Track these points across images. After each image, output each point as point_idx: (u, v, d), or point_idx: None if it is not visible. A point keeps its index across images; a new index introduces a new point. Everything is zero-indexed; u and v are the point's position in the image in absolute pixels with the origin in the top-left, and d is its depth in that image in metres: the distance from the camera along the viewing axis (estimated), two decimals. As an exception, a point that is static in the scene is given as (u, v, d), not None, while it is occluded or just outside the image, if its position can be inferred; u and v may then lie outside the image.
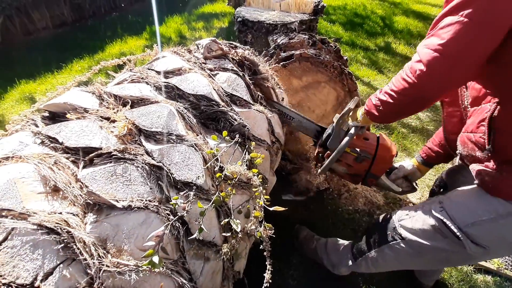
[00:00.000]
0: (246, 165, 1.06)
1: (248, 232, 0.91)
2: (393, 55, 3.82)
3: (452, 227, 0.89)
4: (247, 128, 1.14)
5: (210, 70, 1.25)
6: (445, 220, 0.91)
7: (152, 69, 1.19)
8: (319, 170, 1.24)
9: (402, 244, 1.03)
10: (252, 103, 1.25)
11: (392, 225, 1.08)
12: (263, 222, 0.83)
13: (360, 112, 1.13)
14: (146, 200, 0.75)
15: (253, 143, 1.10)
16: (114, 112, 0.90)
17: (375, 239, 1.14)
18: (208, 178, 0.90)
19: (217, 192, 0.89)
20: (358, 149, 1.18)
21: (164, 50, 1.43)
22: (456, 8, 0.73)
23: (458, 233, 0.87)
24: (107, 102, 0.94)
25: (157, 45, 1.35)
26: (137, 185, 0.76)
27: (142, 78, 1.07)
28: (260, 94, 1.38)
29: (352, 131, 1.14)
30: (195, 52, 1.43)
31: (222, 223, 0.88)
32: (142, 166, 0.79)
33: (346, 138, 1.13)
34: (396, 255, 1.05)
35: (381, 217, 1.19)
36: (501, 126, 0.81)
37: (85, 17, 6.24)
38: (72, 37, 5.07)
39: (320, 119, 1.91)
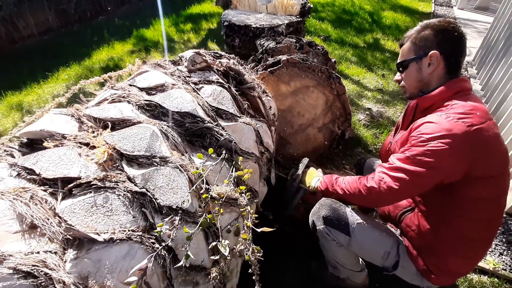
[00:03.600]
0: (234, 181, 1.04)
1: (238, 252, 0.90)
2: (382, 51, 3.82)
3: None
4: (234, 143, 1.12)
5: (195, 84, 1.22)
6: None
7: (134, 85, 1.16)
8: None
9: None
10: (239, 115, 1.23)
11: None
12: (251, 245, 0.81)
13: (313, 182, 1.34)
14: (128, 230, 0.73)
15: (240, 158, 1.08)
16: (94, 137, 0.88)
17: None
18: (194, 199, 0.88)
19: (204, 214, 0.87)
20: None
21: (149, 61, 1.40)
22: (419, 153, 0.92)
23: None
24: (86, 126, 0.92)
25: (138, 59, 1.31)
26: (119, 215, 0.74)
27: (124, 97, 1.04)
28: (247, 103, 1.36)
29: (301, 193, 1.40)
30: (179, 64, 1.40)
31: (210, 246, 0.86)
32: (124, 194, 0.77)
33: (296, 200, 1.41)
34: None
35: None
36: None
37: (71, 22, 6.12)
38: (58, 44, 4.96)
39: (310, 122, 1.91)
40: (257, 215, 0.92)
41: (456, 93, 0.98)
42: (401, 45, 1.12)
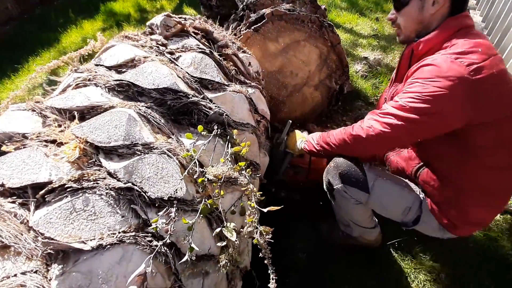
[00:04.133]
0: (232, 158, 0.94)
1: (247, 233, 0.82)
2: (373, -8, 3.50)
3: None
4: (225, 115, 1.00)
5: (171, 53, 1.06)
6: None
7: (101, 65, 1.01)
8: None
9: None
10: (227, 83, 1.09)
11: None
12: (259, 227, 0.73)
13: (297, 145, 1.29)
14: (119, 232, 0.64)
15: (235, 131, 0.97)
16: (61, 131, 0.75)
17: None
18: (190, 185, 0.79)
19: (203, 200, 0.78)
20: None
21: (116, 35, 1.22)
22: (420, 95, 0.81)
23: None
24: (51, 120, 0.79)
25: (100, 34, 1.13)
26: (105, 217, 0.65)
27: (89, 80, 0.89)
28: (235, 68, 1.21)
29: (288, 158, 1.37)
30: (152, 34, 1.22)
31: (215, 232, 0.79)
32: (106, 193, 0.67)
33: (283, 166, 1.39)
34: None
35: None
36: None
37: (32, 6, 5.57)
38: (22, 32, 4.55)
39: (305, 81, 1.76)
40: (261, 192, 0.83)
41: (456, 31, 0.86)
42: None
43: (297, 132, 1.40)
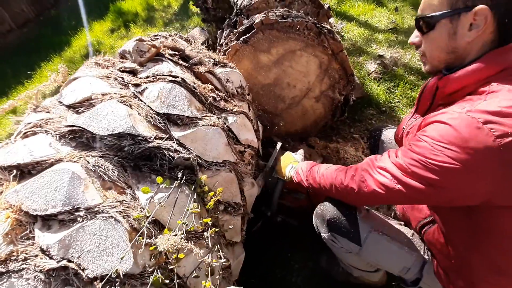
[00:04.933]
0: (200, 207, 0.83)
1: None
2: (394, -24, 3.13)
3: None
4: (196, 156, 0.88)
5: (136, 85, 0.95)
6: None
7: (61, 102, 0.92)
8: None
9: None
10: (199, 116, 0.97)
11: None
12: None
13: (286, 171, 1.17)
14: (46, 326, 0.56)
15: (204, 176, 0.85)
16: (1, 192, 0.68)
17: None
18: (140, 254, 0.69)
19: (155, 270, 0.68)
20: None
21: (87, 62, 1.13)
22: (426, 162, 0.63)
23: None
24: (-8, 179, 0.71)
25: (63, 65, 1.04)
26: (31, 307, 0.57)
27: (40, 126, 0.81)
28: (213, 95, 1.08)
29: (279, 186, 1.24)
30: (124, 57, 1.12)
31: (170, 307, 0.69)
32: (35, 276, 0.59)
33: (276, 195, 1.25)
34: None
35: None
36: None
37: (47, 7, 5.69)
38: (37, 35, 4.66)
39: (304, 93, 1.59)
40: (224, 260, 0.71)
41: (500, 71, 0.63)
42: None
43: (287, 155, 1.25)
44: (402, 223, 1.03)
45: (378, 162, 0.76)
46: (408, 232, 0.94)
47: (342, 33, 2.55)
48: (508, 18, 0.62)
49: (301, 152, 1.38)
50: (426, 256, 0.87)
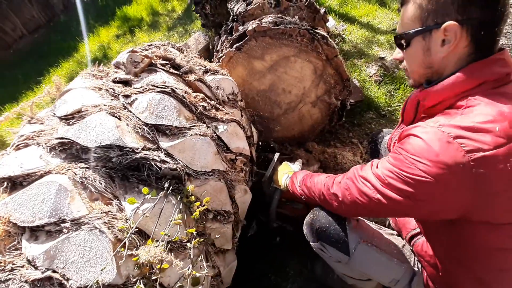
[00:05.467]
0: (186, 215, 0.84)
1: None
2: (397, -25, 3.08)
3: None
4: (184, 166, 0.90)
5: (126, 96, 0.97)
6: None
7: (54, 114, 0.95)
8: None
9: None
10: (188, 126, 0.98)
11: None
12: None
13: (282, 181, 1.18)
14: (29, 335, 0.58)
15: (191, 186, 0.87)
16: (-10, 206, 0.71)
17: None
18: (124, 265, 0.71)
19: (138, 281, 0.70)
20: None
21: (82, 72, 1.16)
22: (404, 169, 0.63)
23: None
24: (-15, 191, 0.75)
25: (58, 77, 1.07)
26: (15, 317, 0.59)
27: (32, 138, 0.84)
28: (202, 104, 1.09)
29: (276, 196, 1.23)
30: (118, 68, 1.14)
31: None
32: (20, 286, 0.61)
33: (273, 204, 1.24)
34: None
35: None
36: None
37: (57, 13, 5.86)
38: (47, 41, 4.80)
39: (300, 98, 1.58)
40: (206, 271, 0.72)
41: (481, 84, 0.62)
42: (401, 4, 0.73)
43: (285, 165, 1.26)
44: (395, 232, 1.02)
45: (361, 171, 0.76)
46: (399, 242, 0.93)
47: (344, 35, 2.53)
48: (484, 31, 0.61)
49: (299, 162, 1.38)
50: (416, 268, 0.86)
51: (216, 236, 0.94)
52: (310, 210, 1.32)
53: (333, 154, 1.67)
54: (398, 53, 0.80)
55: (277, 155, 1.32)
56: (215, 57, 1.59)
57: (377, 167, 0.70)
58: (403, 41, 0.74)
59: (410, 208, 0.64)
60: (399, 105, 1.91)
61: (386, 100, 1.95)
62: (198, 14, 2.21)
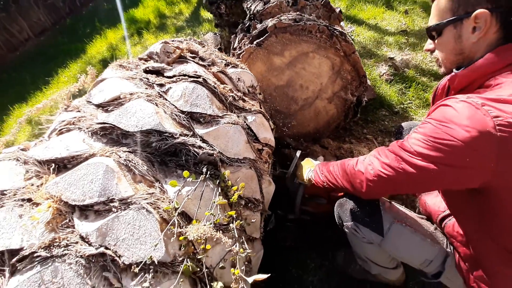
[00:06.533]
0: (222, 199, 0.86)
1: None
2: (402, -21, 3.16)
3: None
4: (218, 153, 0.92)
5: (161, 85, 1.00)
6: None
7: (90, 102, 0.98)
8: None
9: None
10: (221, 114, 1.01)
11: None
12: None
13: (305, 175, 1.19)
14: (87, 307, 0.60)
15: (227, 171, 0.89)
16: (38, 186, 0.73)
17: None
18: (171, 244, 0.72)
19: (185, 259, 0.72)
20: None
21: (111, 64, 1.19)
22: (438, 139, 0.66)
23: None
24: (32, 172, 0.76)
25: (91, 67, 1.10)
26: (73, 290, 0.61)
27: (73, 124, 0.86)
28: (233, 95, 1.12)
29: (300, 191, 1.25)
30: (153, 58, 1.17)
31: (199, 294, 0.72)
32: (76, 261, 0.63)
33: (298, 199, 1.27)
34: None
35: None
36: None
37: (63, 16, 5.91)
38: (54, 43, 4.84)
39: (317, 94, 1.62)
40: (250, 251, 0.74)
41: (508, 65, 0.66)
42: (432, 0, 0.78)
43: (307, 160, 1.29)
44: (425, 217, 1.04)
45: (385, 148, 0.80)
46: (430, 225, 0.96)
47: (352, 37, 2.58)
48: (511, 16, 0.65)
49: (320, 158, 1.40)
50: (448, 250, 0.88)
51: (252, 220, 0.95)
52: (333, 204, 1.35)
53: (349, 150, 1.69)
54: (429, 44, 0.84)
55: (299, 152, 1.35)
56: (232, 54, 1.62)
57: (403, 140, 0.74)
58: (434, 33, 0.79)
59: (437, 175, 0.67)
60: (411, 103, 1.96)
61: (398, 98, 1.99)
62: (212, 14, 2.25)
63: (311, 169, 1.19)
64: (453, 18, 0.73)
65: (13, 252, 0.65)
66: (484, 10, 0.67)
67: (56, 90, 3.50)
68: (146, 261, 0.66)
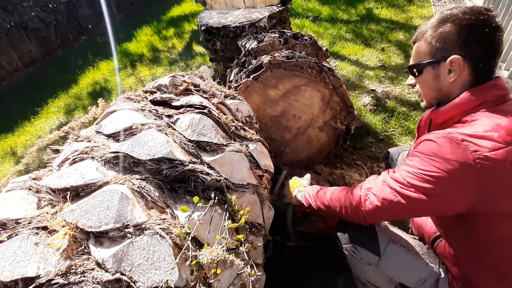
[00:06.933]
0: (229, 224, 0.90)
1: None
2: (377, 22, 3.52)
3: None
4: (224, 179, 0.97)
5: (169, 116, 1.07)
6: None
7: (100, 132, 1.02)
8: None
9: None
10: (225, 143, 1.07)
11: None
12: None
13: (295, 194, 1.22)
14: (104, 335, 0.60)
15: (233, 197, 0.93)
16: (53, 214, 0.74)
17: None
18: (183, 268, 0.75)
19: (197, 283, 0.73)
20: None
21: (118, 97, 1.25)
22: (424, 173, 0.74)
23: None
24: (45, 200, 0.78)
25: (102, 100, 1.16)
26: (90, 317, 0.61)
27: (86, 153, 0.90)
28: (235, 125, 1.20)
29: (290, 211, 1.31)
30: (160, 90, 1.25)
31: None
32: None
33: (288, 218, 1.31)
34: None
35: None
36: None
37: (54, 49, 6.01)
38: (44, 74, 4.87)
39: (309, 123, 1.73)
40: (260, 273, 0.77)
41: (479, 105, 0.77)
42: (414, 42, 0.90)
43: (295, 180, 1.33)
44: (417, 238, 1.11)
45: (377, 179, 0.87)
46: (423, 246, 1.02)
47: (336, 70, 2.80)
48: (481, 63, 0.78)
49: (307, 176, 1.46)
50: (441, 269, 0.94)
51: (258, 244, 0.98)
52: (326, 221, 1.39)
53: (341, 175, 1.78)
54: (411, 80, 0.96)
55: (284, 171, 1.41)
56: (229, 87, 1.73)
57: (394, 172, 0.82)
58: (415, 70, 0.90)
59: (428, 205, 0.74)
60: (394, 130, 2.11)
61: (382, 126, 2.14)
62: (208, 50, 2.40)
63: (299, 190, 1.23)
64: (431, 60, 0.84)
65: (26, 281, 0.65)
66: (457, 56, 0.77)
67: (45, 120, 3.48)
68: (162, 286, 0.68)
